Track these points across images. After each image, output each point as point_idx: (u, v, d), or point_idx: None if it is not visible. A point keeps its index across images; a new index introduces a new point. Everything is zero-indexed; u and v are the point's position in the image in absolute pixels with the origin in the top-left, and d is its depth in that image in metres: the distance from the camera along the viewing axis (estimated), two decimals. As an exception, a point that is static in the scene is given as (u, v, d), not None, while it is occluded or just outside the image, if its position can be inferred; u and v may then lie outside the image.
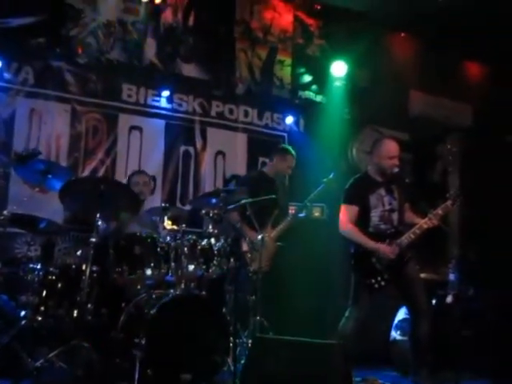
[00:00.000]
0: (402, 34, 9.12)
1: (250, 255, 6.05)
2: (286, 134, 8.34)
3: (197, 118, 7.72)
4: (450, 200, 5.51)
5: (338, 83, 8.38)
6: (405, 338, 6.18)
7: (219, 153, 7.86)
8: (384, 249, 5.37)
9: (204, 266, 5.49)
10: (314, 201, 6.60)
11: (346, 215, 5.54)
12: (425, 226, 5.43)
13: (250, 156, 8.03)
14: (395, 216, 5.58)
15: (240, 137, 8.04)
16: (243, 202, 5.84)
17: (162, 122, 7.47)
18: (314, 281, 7.40)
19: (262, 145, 8.02)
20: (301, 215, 6.62)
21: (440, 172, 9.33)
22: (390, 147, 5.59)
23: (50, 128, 6.84)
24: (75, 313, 5.04)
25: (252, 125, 8.12)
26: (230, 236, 5.67)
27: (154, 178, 7.05)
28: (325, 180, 6.45)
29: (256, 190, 6.18)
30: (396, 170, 5.53)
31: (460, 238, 8.80)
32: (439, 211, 5.45)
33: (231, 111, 7.98)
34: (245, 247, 6.19)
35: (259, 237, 5.84)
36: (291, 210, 6.64)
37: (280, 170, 6.77)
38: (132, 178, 6.41)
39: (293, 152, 6.77)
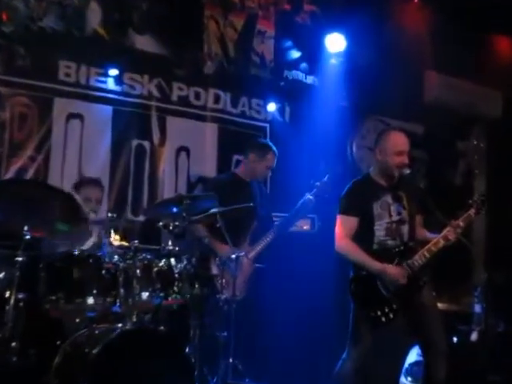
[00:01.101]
0: (416, 1, 9.16)
1: (221, 279, 6.02)
2: (267, 125, 8.26)
3: (154, 103, 7.66)
4: (474, 208, 5.55)
5: (333, 61, 8.34)
6: (418, 386, 6.13)
7: (182, 149, 7.78)
8: (392, 271, 5.37)
9: (162, 294, 5.43)
10: (303, 211, 6.61)
11: (342, 229, 5.55)
12: (442, 242, 5.44)
13: (222, 153, 7.94)
14: (405, 229, 5.60)
15: (209, 128, 7.94)
16: (213, 211, 5.84)
17: (108, 109, 7.37)
18: (303, 313, 7.25)
19: (236, 139, 7.92)
20: (285, 228, 6.64)
21: (463, 174, 9.40)
22: (398, 140, 5.59)
23: (-36, 116, 6.70)
24: (-4, 353, 4.91)
25: (224, 113, 8.03)
26: (196, 255, 5.65)
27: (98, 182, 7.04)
28: (317, 184, 6.47)
29: (228, 197, 6.18)
30: (406, 170, 5.53)
31: (487, 259, 8.75)
32: (460, 222, 5.46)
33: (198, 96, 7.91)
34: (214, 269, 6.21)
35: (233, 256, 5.84)
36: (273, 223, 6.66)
37: (257, 172, 6.79)
38: (82, 189, 6.43)
39: (274, 148, 6.76)
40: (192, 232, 6.09)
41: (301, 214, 6.65)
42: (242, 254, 6.16)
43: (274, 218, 6.80)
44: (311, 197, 6.54)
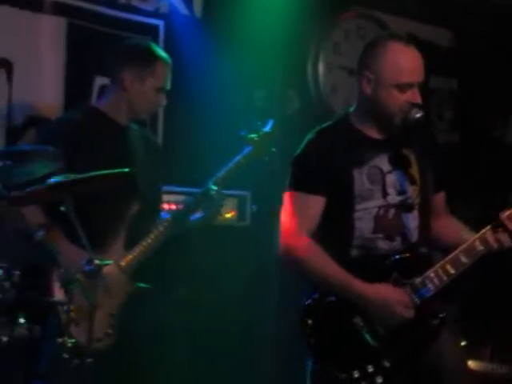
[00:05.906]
0: None
1: (67, 310, 4.45)
2: (160, 23, 6.38)
3: None
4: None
5: None
6: None
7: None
8: (386, 295, 4.09)
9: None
10: (227, 184, 5.07)
11: (295, 217, 4.24)
12: (481, 249, 4.11)
13: (74, 73, 5.98)
14: (412, 221, 4.28)
15: (49, 26, 5.94)
16: (54, 180, 4.21)
17: None
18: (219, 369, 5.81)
19: (101, 47, 5.91)
20: (194, 218, 5.15)
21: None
22: (404, 62, 4.24)
23: None
24: None
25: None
26: (20, 264, 4.41)
27: None
28: (253, 137, 4.95)
29: (85, 154, 4.73)
30: (416, 113, 4.12)
31: None
32: (515, 215, 4.38)
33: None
34: (57, 292, 4.66)
35: (90, 266, 4.27)
36: (170, 207, 5.26)
37: (139, 102, 5.12)
38: None
39: (165, 57, 5.14)
40: (14, 220, 4.66)
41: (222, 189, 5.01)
42: (110, 262, 4.63)
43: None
44: (241, 161, 4.96)
